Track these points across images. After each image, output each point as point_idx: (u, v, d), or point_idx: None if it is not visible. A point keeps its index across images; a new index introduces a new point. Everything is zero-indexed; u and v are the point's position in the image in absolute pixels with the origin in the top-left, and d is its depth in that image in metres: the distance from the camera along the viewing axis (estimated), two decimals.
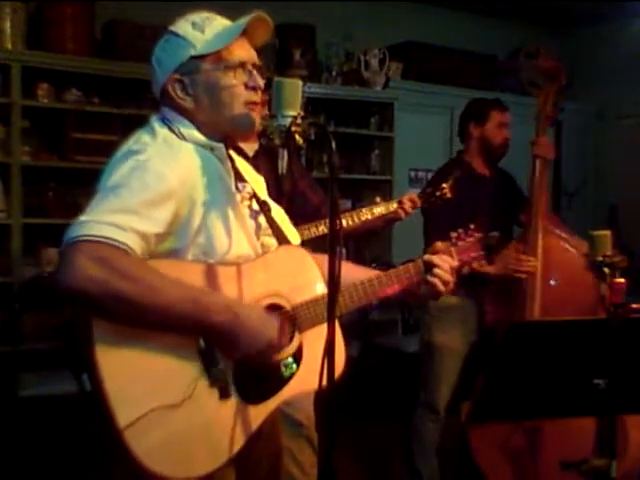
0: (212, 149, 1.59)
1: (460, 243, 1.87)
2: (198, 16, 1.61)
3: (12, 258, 3.85)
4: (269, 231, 1.69)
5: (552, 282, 2.89)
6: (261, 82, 1.61)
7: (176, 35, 1.59)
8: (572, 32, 6.32)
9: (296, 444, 2.56)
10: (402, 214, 2.81)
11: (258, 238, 1.66)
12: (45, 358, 3.65)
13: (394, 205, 2.80)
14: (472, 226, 1.91)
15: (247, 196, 1.67)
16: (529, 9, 5.77)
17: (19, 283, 3.80)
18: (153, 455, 1.39)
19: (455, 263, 1.82)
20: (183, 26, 1.60)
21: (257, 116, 1.61)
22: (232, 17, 1.64)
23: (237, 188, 1.64)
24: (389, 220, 2.88)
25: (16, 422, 3.39)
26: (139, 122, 1.63)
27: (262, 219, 1.69)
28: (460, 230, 1.90)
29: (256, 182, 1.76)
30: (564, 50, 5.94)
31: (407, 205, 2.80)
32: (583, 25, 6.17)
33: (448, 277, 1.78)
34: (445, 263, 1.78)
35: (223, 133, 1.61)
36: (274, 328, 1.51)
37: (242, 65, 1.59)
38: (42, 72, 3.97)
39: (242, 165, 1.74)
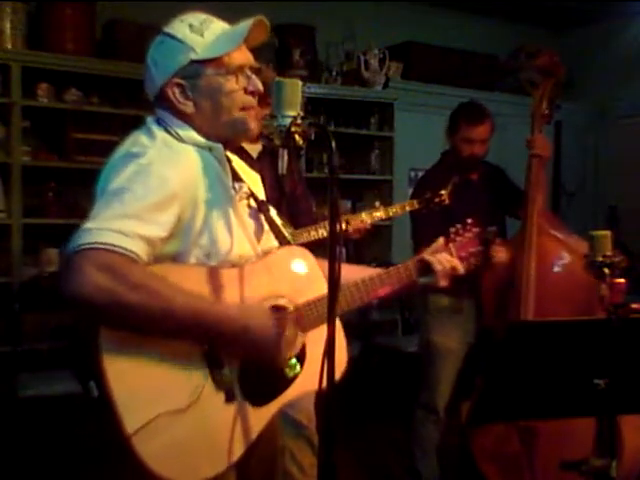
0: (210, 149, 1.58)
1: (458, 239, 1.88)
2: (195, 18, 1.59)
3: (12, 258, 3.85)
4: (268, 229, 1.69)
5: (546, 282, 2.87)
6: (260, 85, 1.61)
7: (173, 38, 1.57)
8: (572, 32, 6.31)
9: (296, 444, 2.54)
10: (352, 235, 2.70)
11: (259, 238, 1.66)
12: (45, 358, 3.65)
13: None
14: (469, 221, 1.91)
15: (244, 196, 1.67)
16: (529, 9, 5.77)
17: (19, 283, 3.81)
18: (160, 460, 1.40)
19: (455, 260, 1.83)
20: (180, 29, 1.57)
21: (253, 119, 1.61)
22: (233, 17, 1.63)
23: (234, 188, 1.64)
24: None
25: (16, 422, 3.39)
26: (139, 122, 1.63)
27: (262, 218, 1.69)
28: (458, 225, 1.90)
29: (253, 181, 1.76)
30: (564, 50, 5.92)
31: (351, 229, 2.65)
32: (583, 25, 6.17)
33: (449, 270, 1.81)
34: (446, 262, 1.80)
35: (220, 136, 1.61)
36: (281, 328, 1.53)
37: (241, 69, 1.58)
38: (42, 72, 3.97)
39: (239, 164, 1.74)
